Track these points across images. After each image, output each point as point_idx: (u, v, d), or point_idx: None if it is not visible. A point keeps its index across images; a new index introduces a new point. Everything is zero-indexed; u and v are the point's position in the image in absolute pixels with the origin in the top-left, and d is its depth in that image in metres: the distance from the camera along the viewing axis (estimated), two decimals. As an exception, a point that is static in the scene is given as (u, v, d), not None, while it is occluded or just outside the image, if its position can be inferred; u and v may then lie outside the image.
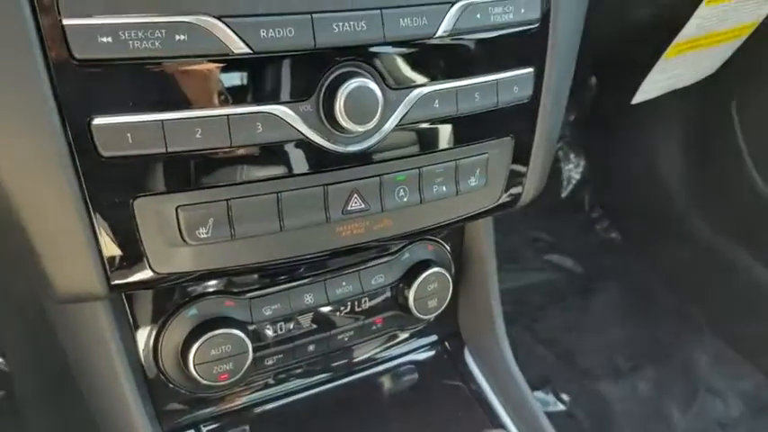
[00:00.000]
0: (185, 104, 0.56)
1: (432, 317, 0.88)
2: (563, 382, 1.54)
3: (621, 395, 1.53)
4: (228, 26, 0.54)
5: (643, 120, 1.77)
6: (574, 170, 2.05)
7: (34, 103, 0.52)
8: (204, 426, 0.82)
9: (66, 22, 0.51)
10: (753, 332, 1.61)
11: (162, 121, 0.55)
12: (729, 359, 1.61)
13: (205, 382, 0.74)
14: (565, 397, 1.51)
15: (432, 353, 0.95)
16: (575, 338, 1.66)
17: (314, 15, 0.57)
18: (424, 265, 0.85)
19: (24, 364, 1.13)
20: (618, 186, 1.99)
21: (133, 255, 0.60)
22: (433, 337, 0.96)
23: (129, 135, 0.54)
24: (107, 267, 0.60)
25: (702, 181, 1.72)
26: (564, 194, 2.05)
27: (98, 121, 0.54)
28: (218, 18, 0.54)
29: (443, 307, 0.87)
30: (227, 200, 0.61)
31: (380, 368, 0.92)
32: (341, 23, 0.59)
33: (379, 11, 0.60)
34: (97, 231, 0.58)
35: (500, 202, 0.77)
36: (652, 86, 1.23)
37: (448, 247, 0.89)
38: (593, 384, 1.54)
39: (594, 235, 1.98)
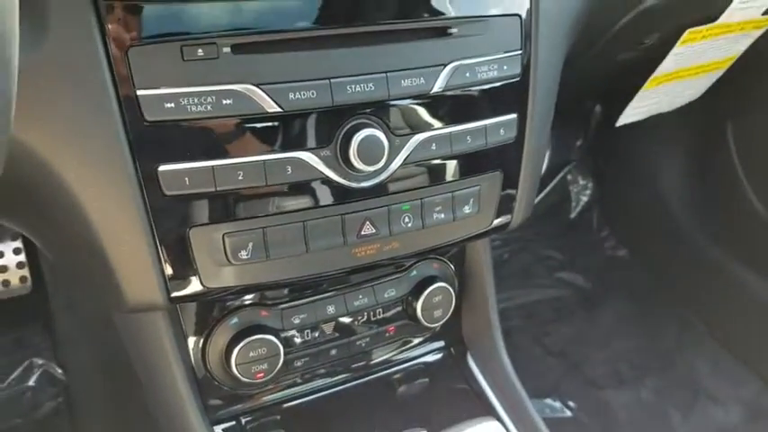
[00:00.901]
0: (230, 153, 0.66)
1: (437, 326, 0.96)
2: (570, 390, 1.61)
3: (625, 402, 1.58)
4: (264, 91, 0.65)
5: (646, 143, 1.84)
6: (582, 192, 2.11)
7: (114, 154, 0.63)
8: (243, 417, 0.90)
9: (139, 92, 0.62)
10: (752, 341, 1.65)
11: (212, 166, 0.66)
12: (730, 367, 1.66)
13: (244, 379, 0.82)
14: (572, 404, 1.58)
15: (439, 357, 1.02)
16: (582, 350, 1.72)
17: (332, 80, 0.68)
18: (429, 280, 0.93)
19: (82, 374, 1.25)
20: (624, 207, 2.04)
21: (188, 272, 0.70)
22: (440, 343, 1.03)
23: (186, 178, 0.65)
24: (168, 283, 0.70)
25: (703, 200, 1.78)
26: (573, 215, 2.11)
27: (163, 167, 0.65)
28: (256, 85, 0.65)
29: (447, 317, 0.94)
30: (263, 228, 0.71)
31: (394, 370, 0.99)
32: (353, 85, 0.69)
33: (384, 74, 0.71)
34: (161, 254, 0.68)
35: (492, 226, 0.86)
36: (632, 112, 1.33)
37: (452, 265, 0.97)
38: (598, 392, 1.61)
39: (602, 253, 2.03)
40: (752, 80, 1.50)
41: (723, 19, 1.07)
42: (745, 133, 1.62)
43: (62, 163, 0.64)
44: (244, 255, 0.71)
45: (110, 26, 0.60)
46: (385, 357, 0.99)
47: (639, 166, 1.93)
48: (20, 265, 1.25)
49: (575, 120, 2.01)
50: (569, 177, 2.11)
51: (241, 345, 0.82)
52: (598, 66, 1.22)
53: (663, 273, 1.91)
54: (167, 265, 0.69)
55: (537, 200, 0.98)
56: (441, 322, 0.96)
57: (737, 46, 1.25)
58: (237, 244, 0.71)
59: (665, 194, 1.86)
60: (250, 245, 0.71)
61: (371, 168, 0.72)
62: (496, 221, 0.87)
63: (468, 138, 0.78)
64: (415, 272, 0.94)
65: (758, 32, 1.20)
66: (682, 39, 1.10)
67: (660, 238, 1.91)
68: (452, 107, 0.77)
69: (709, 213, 1.77)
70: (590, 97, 1.85)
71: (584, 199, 2.12)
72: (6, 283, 1.25)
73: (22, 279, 1.25)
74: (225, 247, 0.70)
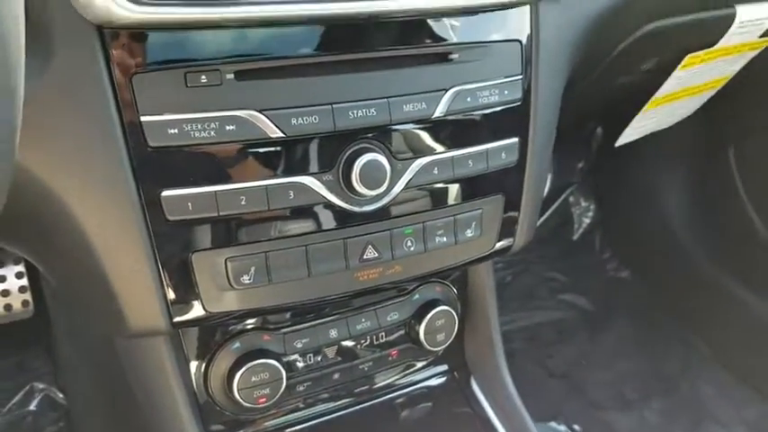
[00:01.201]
0: (233, 178, 0.67)
1: (440, 349, 0.96)
2: (574, 413, 1.60)
3: (629, 424, 1.57)
4: (267, 117, 0.66)
5: (647, 165, 1.85)
6: (584, 214, 2.11)
7: (118, 179, 0.64)
8: None
9: (143, 118, 0.62)
10: (755, 362, 1.65)
11: (215, 192, 0.66)
12: (733, 388, 1.65)
13: (246, 404, 0.82)
14: (576, 427, 1.57)
15: (442, 380, 1.02)
16: (586, 372, 1.72)
17: (334, 105, 0.69)
18: (432, 304, 0.93)
19: (83, 399, 1.24)
20: (626, 228, 2.04)
21: (191, 297, 0.70)
22: (444, 367, 1.03)
23: (189, 203, 0.66)
24: (170, 308, 0.70)
25: (705, 221, 1.78)
26: (575, 237, 2.11)
27: (166, 192, 0.65)
28: (259, 111, 0.66)
29: (450, 340, 0.94)
30: (265, 252, 0.71)
31: (397, 394, 0.98)
32: (355, 110, 0.70)
33: (386, 99, 0.71)
34: (163, 279, 0.68)
35: (494, 249, 0.86)
36: (632, 132, 1.35)
37: (454, 288, 0.97)
38: (602, 415, 1.60)
39: (605, 274, 2.03)
40: (753, 101, 1.51)
41: (722, 43, 1.08)
42: (747, 154, 1.63)
43: (65, 188, 0.64)
44: (246, 279, 0.71)
45: (114, 53, 0.61)
46: (388, 381, 0.99)
47: (641, 188, 1.93)
48: (22, 290, 1.25)
49: (576, 142, 2.02)
50: (571, 199, 2.12)
51: (243, 369, 0.82)
52: (598, 89, 1.23)
53: (666, 294, 1.91)
54: (169, 289, 0.69)
55: (539, 222, 0.98)
56: (443, 346, 0.95)
57: (733, 67, 1.27)
58: (240, 268, 0.71)
59: (667, 216, 1.87)
60: (252, 269, 0.71)
61: (374, 193, 0.72)
62: (499, 245, 0.87)
63: (469, 162, 0.79)
64: (417, 295, 0.94)
65: (753, 53, 1.22)
66: (682, 63, 1.11)
67: (663, 259, 1.91)
68: (454, 131, 0.77)
69: (711, 234, 1.77)
70: (591, 120, 1.86)
71: (587, 221, 2.12)
72: (8, 307, 1.25)
73: (24, 303, 1.25)
74: (227, 272, 0.70)
